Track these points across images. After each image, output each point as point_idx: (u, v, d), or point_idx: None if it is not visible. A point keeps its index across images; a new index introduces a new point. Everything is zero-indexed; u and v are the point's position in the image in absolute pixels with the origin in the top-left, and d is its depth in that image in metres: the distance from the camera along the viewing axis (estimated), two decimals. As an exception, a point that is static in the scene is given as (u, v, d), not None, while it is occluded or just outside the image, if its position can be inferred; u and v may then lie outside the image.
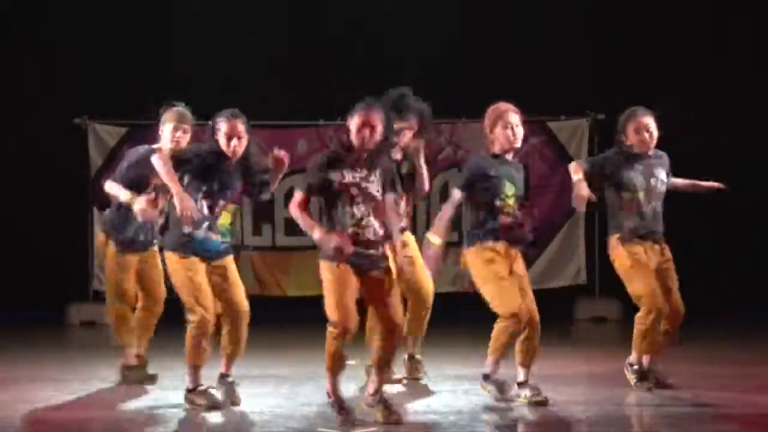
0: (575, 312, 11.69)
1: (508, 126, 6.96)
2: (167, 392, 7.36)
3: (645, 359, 7.27)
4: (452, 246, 11.78)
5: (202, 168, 6.72)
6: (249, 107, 11.80)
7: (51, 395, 7.26)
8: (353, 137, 6.30)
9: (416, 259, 7.47)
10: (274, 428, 6.23)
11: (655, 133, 7.34)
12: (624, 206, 7.27)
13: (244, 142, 6.79)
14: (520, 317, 6.65)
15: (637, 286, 7.11)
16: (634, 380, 7.21)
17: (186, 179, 6.72)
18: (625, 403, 6.94)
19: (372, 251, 6.23)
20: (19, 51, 12.06)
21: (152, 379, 7.69)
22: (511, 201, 6.83)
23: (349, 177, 6.23)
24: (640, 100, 11.31)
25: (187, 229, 6.65)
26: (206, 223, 6.71)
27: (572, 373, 8.02)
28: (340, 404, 6.30)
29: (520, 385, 6.82)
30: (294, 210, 6.28)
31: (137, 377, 7.61)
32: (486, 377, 6.87)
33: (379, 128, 6.35)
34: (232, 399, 6.84)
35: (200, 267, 6.70)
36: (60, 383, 7.68)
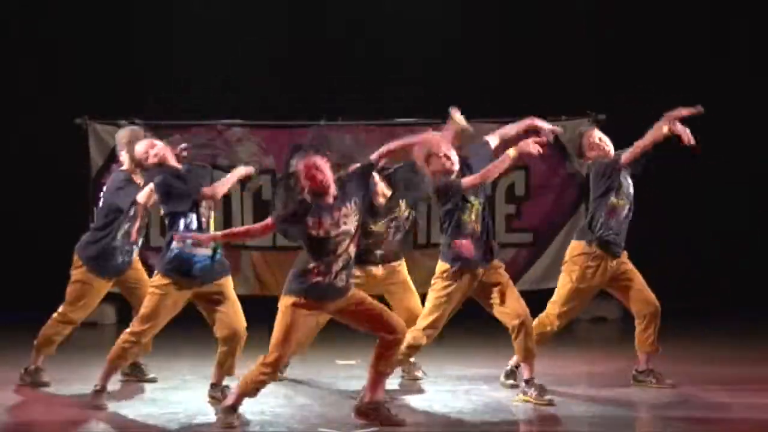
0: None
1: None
2: (167, 392, 7.38)
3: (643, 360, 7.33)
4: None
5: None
6: (249, 107, 11.94)
7: (51, 395, 7.27)
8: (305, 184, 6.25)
9: (408, 285, 7.56)
10: (274, 428, 6.24)
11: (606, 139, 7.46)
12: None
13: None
14: None
15: None
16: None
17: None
18: (626, 403, 6.95)
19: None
20: (19, 51, 12.05)
21: (152, 380, 7.74)
22: None
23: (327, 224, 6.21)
24: (640, 100, 11.37)
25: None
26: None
27: (573, 373, 8.03)
28: None
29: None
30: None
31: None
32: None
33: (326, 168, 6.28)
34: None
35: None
36: (60, 383, 7.68)
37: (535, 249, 11.47)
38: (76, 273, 7.71)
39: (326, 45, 12.13)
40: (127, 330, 7.00)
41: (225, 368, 6.99)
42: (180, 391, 7.41)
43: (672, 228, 11.57)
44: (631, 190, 7.51)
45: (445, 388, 7.43)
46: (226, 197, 10.41)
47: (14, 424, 6.38)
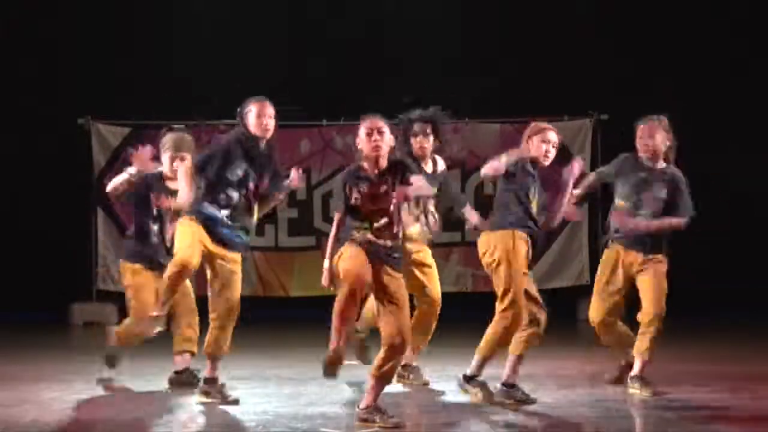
0: (578, 312, 11.69)
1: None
2: (170, 392, 7.37)
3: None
4: (454, 246, 11.85)
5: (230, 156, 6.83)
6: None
7: (54, 396, 7.27)
8: (364, 146, 6.25)
9: (432, 270, 7.54)
10: (277, 428, 6.23)
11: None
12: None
13: (272, 123, 6.93)
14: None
15: None
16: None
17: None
18: (628, 403, 6.95)
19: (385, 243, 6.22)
20: (19, 51, 12.06)
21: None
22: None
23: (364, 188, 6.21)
24: (641, 100, 11.36)
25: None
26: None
27: (574, 373, 8.03)
28: None
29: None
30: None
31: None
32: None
33: (387, 131, 6.30)
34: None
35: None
36: (63, 384, 7.68)
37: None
38: None
39: (326, 45, 12.14)
40: None
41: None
42: (182, 390, 7.40)
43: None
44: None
45: (448, 388, 7.42)
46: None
47: (18, 424, 6.38)
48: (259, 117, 6.91)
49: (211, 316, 6.90)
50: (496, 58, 11.99)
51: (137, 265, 7.47)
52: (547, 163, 6.99)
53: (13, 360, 8.94)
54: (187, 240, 6.76)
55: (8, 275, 11.73)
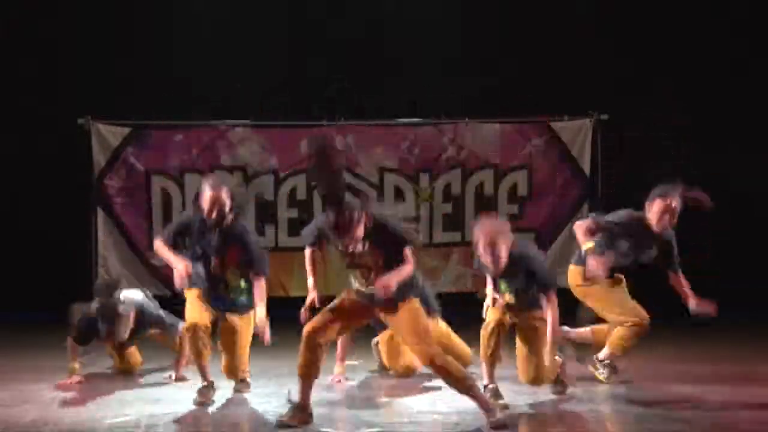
0: (578, 312, 11.68)
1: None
2: (171, 392, 7.37)
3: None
4: (455, 246, 11.84)
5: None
6: (249, 107, 11.94)
7: (54, 396, 7.26)
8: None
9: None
10: (277, 428, 6.22)
11: None
12: None
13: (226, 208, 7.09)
14: None
15: None
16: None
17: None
18: (627, 403, 6.95)
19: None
20: (19, 51, 12.05)
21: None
22: None
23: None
24: (641, 100, 11.35)
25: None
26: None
27: (574, 373, 8.01)
28: None
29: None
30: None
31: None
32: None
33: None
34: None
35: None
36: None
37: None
38: None
39: (326, 45, 12.13)
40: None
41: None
42: (183, 391, 7.40)
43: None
44: None
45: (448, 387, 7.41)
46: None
47: (17, 424, 6.37)
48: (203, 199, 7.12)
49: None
50: (496, 58, 11.98)
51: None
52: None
53: (13, 360, 8.93)
54: (193, 305, 7.14)
55: (8, 275, 11.71)
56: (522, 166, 11.76)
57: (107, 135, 11.64)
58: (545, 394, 7.12)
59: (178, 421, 6.51)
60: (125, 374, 8.08)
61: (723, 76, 12.04)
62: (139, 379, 7.95)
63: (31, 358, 9.05)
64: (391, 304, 6.11)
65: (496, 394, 6.79)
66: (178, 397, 7.18)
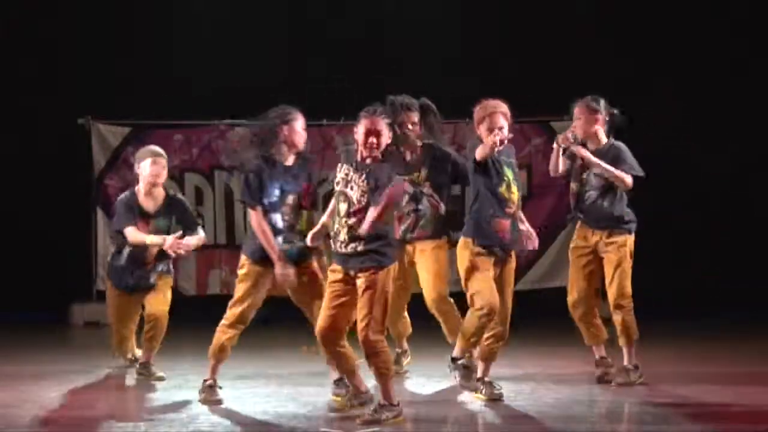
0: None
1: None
2: (171, 392, 7.37)
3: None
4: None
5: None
6: (250, 107, 11.93)
7: (55, 395, 7.27)
8: (360, 147, 6.36)
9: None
10: (277, 428, 6.23)
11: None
12: None
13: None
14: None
15: None
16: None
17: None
18: (629, 402, 6.95)
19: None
20: (19, 51, 12.05)
21: (160, 379, 7.77)
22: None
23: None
24: (641, 100, 11.36)
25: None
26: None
27: (574, 373, 8.02)
28: None
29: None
30: None
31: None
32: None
33: (385, 134, 6.39)
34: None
35: None
36: (63, 383, 7.68)
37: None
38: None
39: (326, 45, 12.14)
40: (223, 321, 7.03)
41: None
42: (183, 390, 7.41)
43: (671, 228, 11.60)
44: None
45: (448, 386, 7.42)
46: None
47: (18, 423, 6.38)
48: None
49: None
50: (496, 58, 11.98)
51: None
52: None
53: (13, 360, 8.93)
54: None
55: (8, 275, 11.72)
56: (522, 166, 11.75)
57: (107, 135, 11.64)
58: (545, 394, 7.12)
59: (178, 421, 6.52)
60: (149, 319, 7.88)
61: (723, 76, 12.05)
62: (138, 379, 7.94)
63: (31, 358, 9.05)
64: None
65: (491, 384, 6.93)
66: (178, 397, 7.18)
